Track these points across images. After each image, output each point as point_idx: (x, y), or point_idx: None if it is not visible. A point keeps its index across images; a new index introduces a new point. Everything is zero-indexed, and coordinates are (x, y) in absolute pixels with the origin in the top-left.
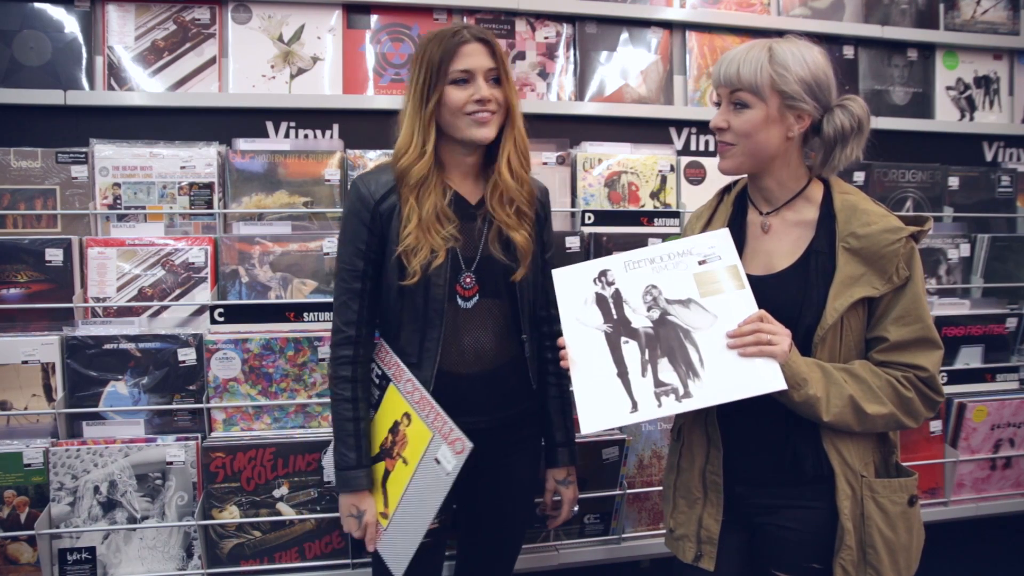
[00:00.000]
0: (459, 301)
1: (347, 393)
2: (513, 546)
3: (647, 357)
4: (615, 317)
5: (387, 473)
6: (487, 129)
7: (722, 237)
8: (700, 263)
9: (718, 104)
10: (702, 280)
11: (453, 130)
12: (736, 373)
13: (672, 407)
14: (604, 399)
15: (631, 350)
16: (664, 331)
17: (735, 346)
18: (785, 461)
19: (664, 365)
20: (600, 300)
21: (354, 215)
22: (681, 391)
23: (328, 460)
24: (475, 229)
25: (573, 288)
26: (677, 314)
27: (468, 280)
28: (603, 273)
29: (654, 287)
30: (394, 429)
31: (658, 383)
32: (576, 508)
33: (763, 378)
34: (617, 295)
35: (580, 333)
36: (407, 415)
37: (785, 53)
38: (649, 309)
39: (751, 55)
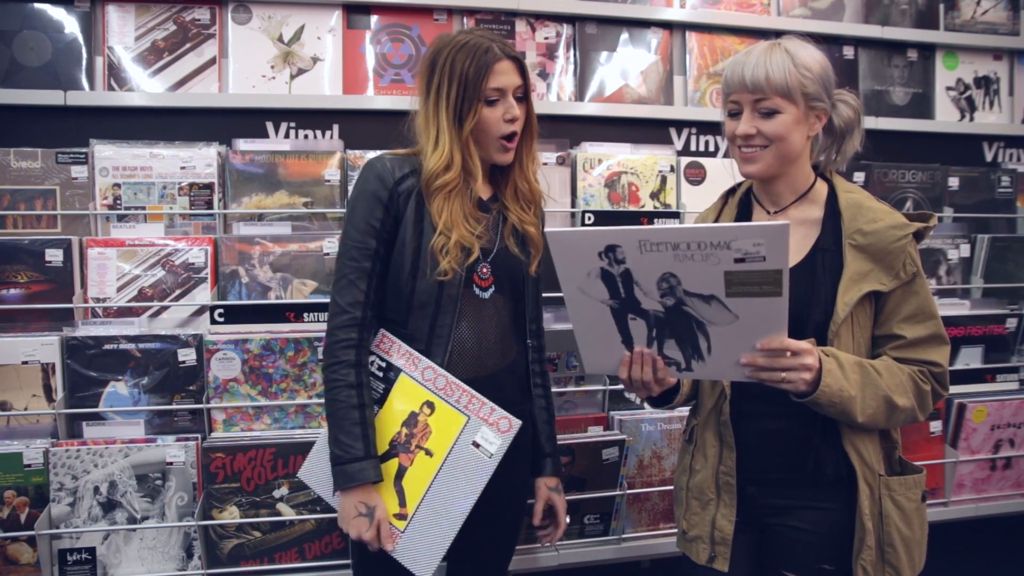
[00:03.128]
0: (476, 290)
1: (351, 378)
2: (507, 551)
3: (654, 335)
4: (623, 296)
5: (402, 470)
6: (510, 155)
7: (777, 235)
8: (737, 260)
9: (734, 114)
10: (733, 280)
11: (480, 148)
12: (739, 367)
13: (672, 373)
14: (608, 356)
15: (638, 327)
16: (676, 318)
17: (750, 373)
18: (806, 464)
19: (671, 345)
20: (606, 276)
21: (370, 193)
22: (683, 365)
23: (311, 471)
24: (490, 222)
25: (574, 256)
26: (694, 307)
27: (485, 271)
28: (611, 249)
29: (673, 276)
30: (410, 421)
31: (662, 354)
32: (568, 519)
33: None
34: (627, 275)
35: (583, 303)
36: (428, 404)
37: (802, 54)
38: (663, 296)
39: (774, 59)
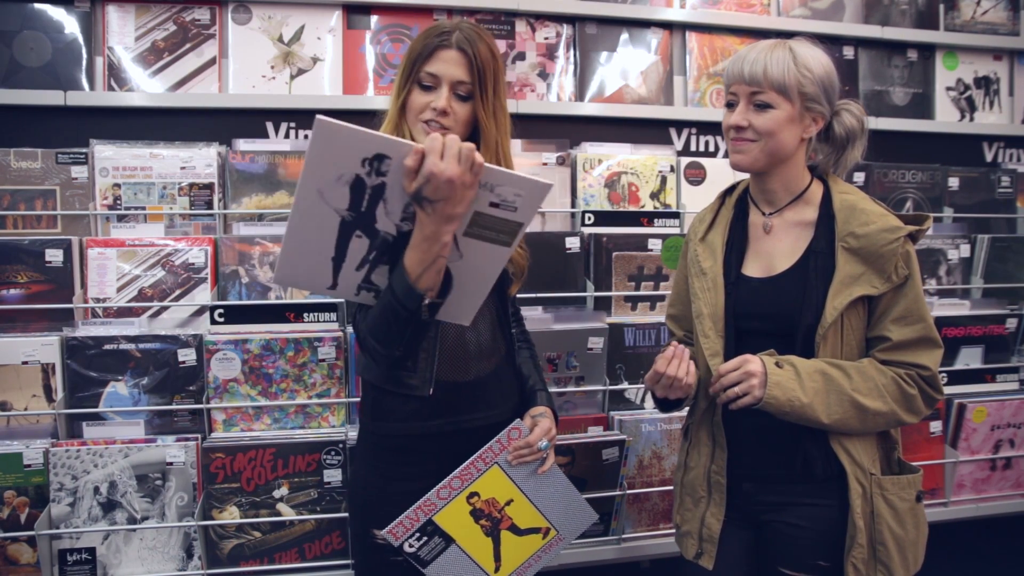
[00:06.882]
0: None
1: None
2: None
3: (371, 256)
4: (362, 210)
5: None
6: None
7: (537, 192)
8: (492, 204)
9: (731, 104)
10: (478, 221)
11: (414, 133)
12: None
13: (367, 299)
14: (308, 268)
15: (359, 246)
16: (404, 244)
17: (726, 400)
18: (795, 462)
19: (381, 271)
20: (357, 184)
21: None
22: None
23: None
24: None
25: (335, 154)
26: None
27: None
28: (380, 158)
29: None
30: (476, 515)
31: (367, 280)
32: (547, 441)
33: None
34: (380, 189)
35: (313, 209)
36: (470, 495)
37: (806, 54)
38: (403, 219)
39: (775, 55)
